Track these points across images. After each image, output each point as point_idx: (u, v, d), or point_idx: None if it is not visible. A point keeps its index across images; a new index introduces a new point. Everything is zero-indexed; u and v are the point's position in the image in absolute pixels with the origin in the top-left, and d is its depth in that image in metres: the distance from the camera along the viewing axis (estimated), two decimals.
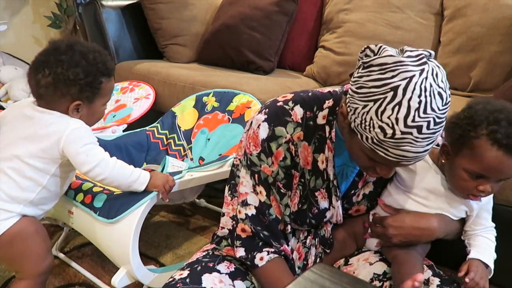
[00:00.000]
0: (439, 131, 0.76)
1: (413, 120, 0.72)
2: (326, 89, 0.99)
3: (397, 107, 0.72)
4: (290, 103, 0.94)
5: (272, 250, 0.97)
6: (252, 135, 0.94)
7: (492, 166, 0.84)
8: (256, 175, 0.95)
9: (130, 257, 1.20)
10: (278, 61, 2.29)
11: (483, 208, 0.96)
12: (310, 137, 0.94)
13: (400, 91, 0.72)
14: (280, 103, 0.95)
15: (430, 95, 0.72)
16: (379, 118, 0.74)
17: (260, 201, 0.96)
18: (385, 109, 0.73)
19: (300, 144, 0.94)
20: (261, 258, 0.96)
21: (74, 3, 3.12)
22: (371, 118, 0.75)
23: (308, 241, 1.04)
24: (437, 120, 0.74)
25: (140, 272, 1.25)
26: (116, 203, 1.24)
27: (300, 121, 0.93)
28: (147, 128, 1.82)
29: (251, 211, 0.96)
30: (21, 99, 2.75)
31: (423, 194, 0.96)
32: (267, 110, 0.94)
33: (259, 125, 0.93)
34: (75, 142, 1.12)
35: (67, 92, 1.11)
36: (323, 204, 0.99)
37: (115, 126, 1.83)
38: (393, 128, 0.73)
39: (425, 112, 0.72)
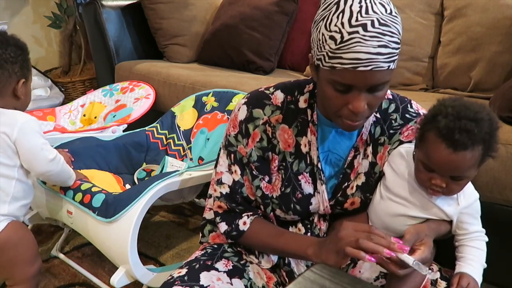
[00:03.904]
0: (388, 35, 0.77)
1: (356, 20, 0.77)
2: (309, 77, 1.02)
3: (341, 14, 0.78)
4: (271, 89, 1.00)
5: (250, 213, 1.02)
6: (232, 117, 1.00)
7: (435, 158, 0.86)
8: (232, 155, 1.00)
9: (128, 256, 1.20)
10: (278, 61, 2.29)
11: (463, 212, 0.94)
12: (291, 120, 0.98)
13: (342, 2, 0.79)
14: (261, 89, 1.01)
15: (371, 2, 0.78)
16: (328, 29, 0.79)
17: (234, 180, 1.01)
18: (331, 20, 0.79)
19: (278, 127, 0.98)
20: (244, 223, 1.01)
21: (74, 3, 3.12)
22: (322, 34, 0.81)
23: None
24: (381, 21, 0.77)
25: (138, 272, 1.25)
26: (113, 203, 1.24)
27: (280, 104, 0.98)
28: (146, 128, 1.82)
29: (225, 190, 1.02)
30: None
31: (403, 196, 0.96)
32: (248, 95, 1.01)
33: (239, 108, 0.99)
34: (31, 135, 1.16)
35: (12, 70, 1.17)
36: (307, 189, 0.99)
37: (115, 126, 1.84)
38: (340, 32, 0.77)
39: (367, 12, 0.77)
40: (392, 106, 1.00)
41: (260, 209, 1.03)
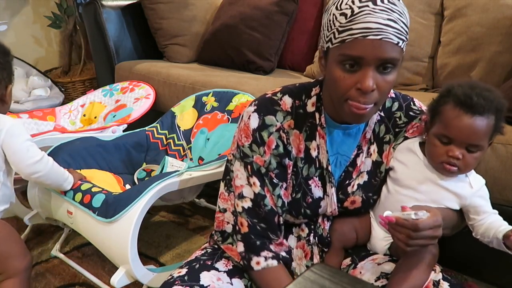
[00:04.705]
0: (396, 12, 0.80)
1: None
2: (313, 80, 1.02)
3: None
4: (279, 94, 0.97)
5: (270, 255, 0.95)
6: (243, 127, 0.96)
7: (453, 125, 0.90)
8: (249, 166, 0.96)
9: (129, 257, 1.20)
10: (278, 61, 2.29)
11: (476, 195, 0.96)
12: (301, 125, 0.96)
13: None
14: (268, 95, 0.98)
15: None
16: (339, 8, 0.82)
17: (254, 193, 0.96)
18: (342, 1, 0.82)
19: (291, 133, 0.96)
20: (258, 263, 0.95)
21: (74, 3, 3.12)
22: (333, 15, 0.83)
23: (311, 239, 1.04)
24: (390, 0, 0.80)
25: (139, 272, 1.25)
26: (114, 203, 1.24)
27: (289, 110, 0.96)
28: (146, 128, 1.82)
29: (247, 204, 0.96)
30: (21, 99, 2.76)
31: (413, 186, 0.96)
32: (256, 102, 0.97)
33: (250, 116, 0.95)
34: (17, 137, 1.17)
35: (1, 77, 1.18)
36: (317, 193, 0.99)
37: (115, 126, 1.83)
38: (351, 8, 0.80)
39: None
40: (396, 105, 1.00)
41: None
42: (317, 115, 0.96)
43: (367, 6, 0.79)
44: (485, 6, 1.78)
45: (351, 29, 0.80)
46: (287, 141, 0.96)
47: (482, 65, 1.76)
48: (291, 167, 0.97)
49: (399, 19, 0.80)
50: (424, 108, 1.02)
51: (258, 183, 0.96)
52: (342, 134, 0.98)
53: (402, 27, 0.81)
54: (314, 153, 0.97)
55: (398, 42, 0.80)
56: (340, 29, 0.81)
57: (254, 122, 0.94)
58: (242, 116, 0.98)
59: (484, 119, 0.88)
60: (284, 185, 0.98)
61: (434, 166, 0.95)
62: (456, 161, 0.91)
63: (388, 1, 0.80)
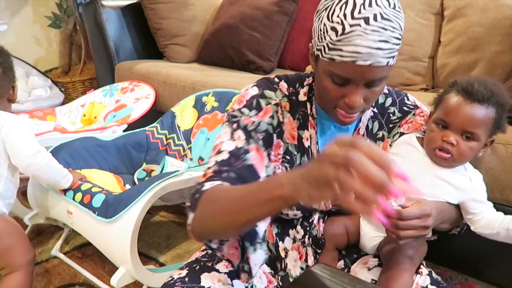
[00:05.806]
0: (389, 30, 0.77)
1: (359, 12, 0.76)
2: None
3: (344, 5, 0.78)
4: (276, 79, 0.99)
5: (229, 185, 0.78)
6: (239, 97, 0.95)
7: (451, 109, 0.92)
8: (235, 124, 0.90)
9: (129, 257, 1.20)
10: (278, 61, 2.29)
11: (475, 190, 0.96)
12: (294, 112, 0.97)
13: None
14: (266, 77, 0.99)
15: None
16: (330, 20, 0.79)
17: (236, 146, 0.86)
18: (334, 10, 0.79)
19: (286, 115, 0.96)
20: (212, 184, 0.78)
21: (74, 3, 3.12)
22: (324, 25, 0.80)
23: (306, 240, 1.04)
24: (384, 16, 0.76)
25: (139, 272, 1.25)
26: (114, 203, 1.24)
27: (286, 93, 0.97)
28: (146, 128, 1.82)
29: (223, 157, 0.84)
30: (21, 99, 2.76)
31: (413, 178, 0.96)
32: (255, 82, 0.98)
33: (248, 88, 0.95)
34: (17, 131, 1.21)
35: (9, 78, 1.24)
36: None
37: (115, 126, 1.84)
38: (342, 24, 0.77)
39: (370, 5, 0.76)
40: (389, 100, 1.01)
41: None
42: (308, 105, 0.97)
43: (359, 25, 0.76)
44: (485, 6, 1.78)
45: (341, 50, 0.78)
46: (282, 120, 0.96)
47: (482, 65, 1.76)
48: (281, 149, 0.97)
49: (392, 36, 0.78)
50: (418, 103, 1.02)
51: (243, 137, 0.87)
52: (333, 126, 0.99)
53: (394, 43, 0.79)
54: (306, 143, 0.98)
55: (388, 62, 0.80)
56: (330, 45, 0.80)
57: (253, 91, 0.94)
58: (242, 90, 0.97)
59: (482, 108, 0.89)
60: (269, 150, 0.94)
61: (429, 153, 0.95)
62: (450, 147, 0.91)
63: (382, 18, 0.76)
